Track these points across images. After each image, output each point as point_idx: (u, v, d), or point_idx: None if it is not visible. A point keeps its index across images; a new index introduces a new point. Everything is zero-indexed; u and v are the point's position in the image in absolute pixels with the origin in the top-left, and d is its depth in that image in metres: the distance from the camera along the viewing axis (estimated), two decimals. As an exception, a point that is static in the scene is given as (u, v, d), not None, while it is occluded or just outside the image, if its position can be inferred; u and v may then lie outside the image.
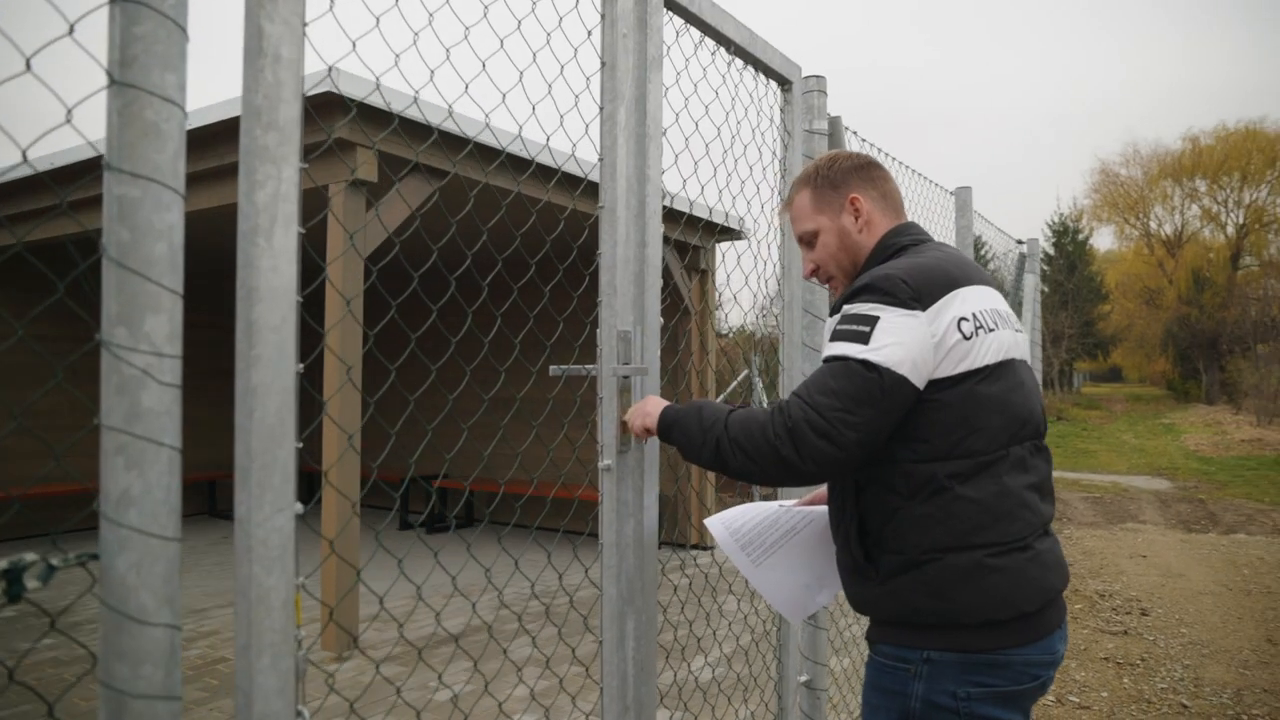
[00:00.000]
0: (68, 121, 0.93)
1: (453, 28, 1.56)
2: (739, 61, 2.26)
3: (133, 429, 0.94)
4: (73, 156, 5.59)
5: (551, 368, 1.74)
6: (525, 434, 7.60)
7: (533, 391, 7.57)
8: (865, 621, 1.66)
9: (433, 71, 1.44)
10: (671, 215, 5.36)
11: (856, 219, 1.67)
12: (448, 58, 1.48)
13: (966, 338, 1.46)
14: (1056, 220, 38.82)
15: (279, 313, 1.10)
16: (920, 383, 1.43)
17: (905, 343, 1.41)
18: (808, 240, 1.73)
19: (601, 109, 1.75)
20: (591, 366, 1.76)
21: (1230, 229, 35.26)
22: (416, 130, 4.58)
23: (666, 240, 6.36)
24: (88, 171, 5.40)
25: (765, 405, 1.50)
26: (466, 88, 1.59)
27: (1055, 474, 2.09)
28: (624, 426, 1.73)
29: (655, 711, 1.81)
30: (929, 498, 1.45)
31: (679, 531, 7.86)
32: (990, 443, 1.46)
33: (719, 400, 1.77)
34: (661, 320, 1.85)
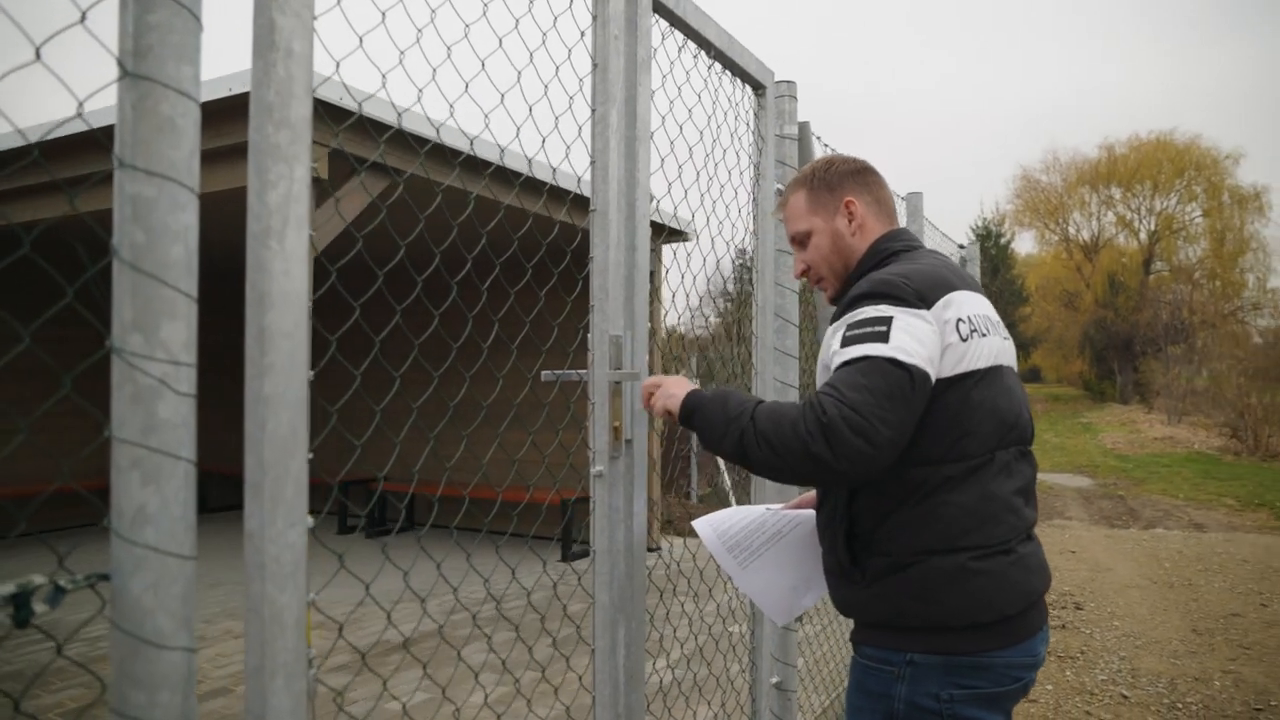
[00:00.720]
0: (79, 115, 0.87)
1: (406, 31, 1.51)
2: (717, 66, 2.26)
3: (149, 442, 0.89)
4: (64, 130, 5.16)
5: (544, 373, 1.71)
6: (481, 438, 7.49)
7: (483, 394, 7.48)
8: (818, 621, 1.67)
9: (388, 75, 1.40)
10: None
11: (850, 222, 1.68)
12: (401, 61, 1.44)
13: (963, 339, 1.48)
14: (980, 225, 40.03)
15: (291, 318, 1.06)
16: (936, 379, 1.44)
17: (923, 340, 1.42)
18: (800, 240, 1.73)
19: (593, 111, 1.72)
20: (583, 371, 1.73)
21: (1143, 235, 36.87)
22: (376, 128, 4.47)
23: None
24: (83, 149, 5.04)
25: None
26: (421, 92, 1.55)
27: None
28: (616, 432, 1.71)
29: (644, 717, 1.79)
30: (919, 501, 1.46)
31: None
32: (980, 446, 1.49)
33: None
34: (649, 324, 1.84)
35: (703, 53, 2.15)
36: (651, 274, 8.32)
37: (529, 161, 1.65)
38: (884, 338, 1.40)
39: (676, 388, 1.59)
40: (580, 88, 1.71)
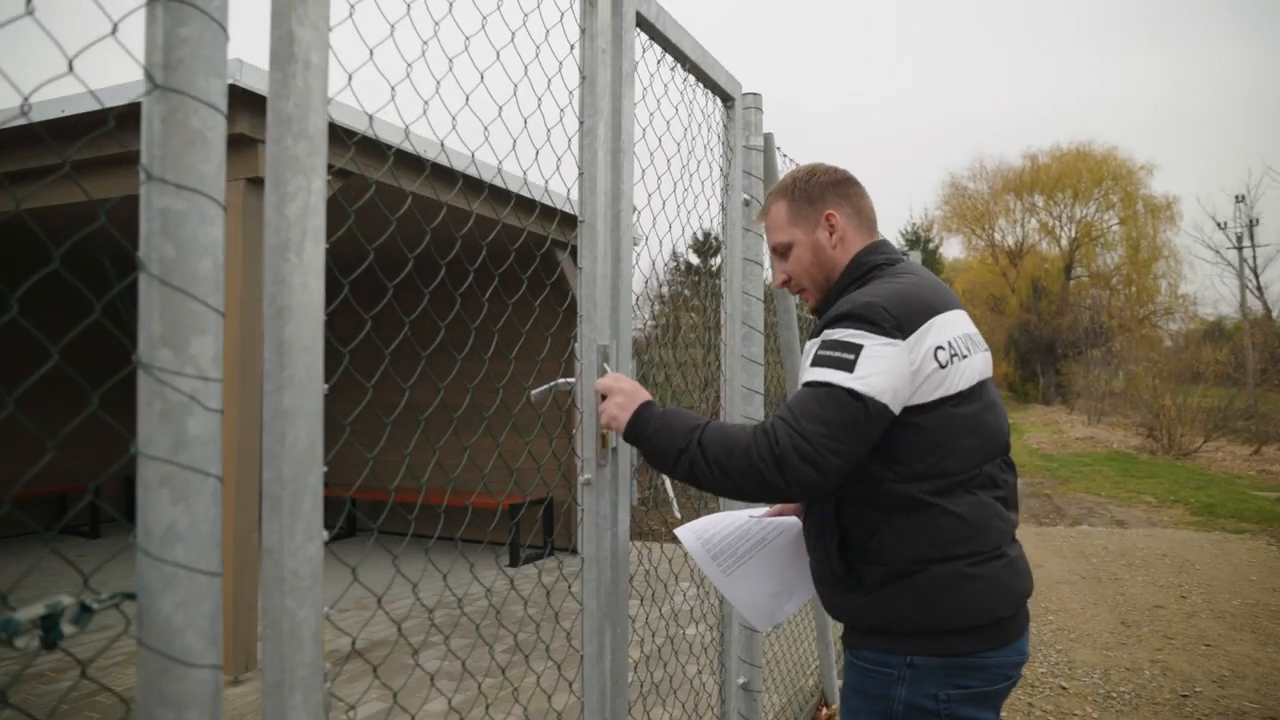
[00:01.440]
0: (112, 127, 0.86)
1: (409, 44, 1.51)
2: (691, 79, 2.29)
3: (179, 459, 0.88)
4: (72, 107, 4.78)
5: (532, 393, 1.71)
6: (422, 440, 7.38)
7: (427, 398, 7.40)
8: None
9: (351, 78, 1.40)
10: (569, 218, 5.32)
11: (831, 234, 1.70)
12: (370, 58, 1.44)
13: (942, 366, 1.52)
14: (910, 230, 41.03)
15: (310, 331, 1.06)
16: (897, 410, 1.48)
17: (888, 371, 1.45)
18: (781, 251, 1.76)
19: (581, 123, 1.74)
20: (571, 380, 1.75)
21: (1064, 242, 38.30)
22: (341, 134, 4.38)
23: (564, 245, 6.34)
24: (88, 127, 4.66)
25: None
26: (394, 94, 1.55)
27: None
28: (604, 440, 1.73)
29: (627, 722, 1.82)
30: (910, 513, 1.51)
31: (573, 537, 7.85)
32: (965, 462, 1.54)
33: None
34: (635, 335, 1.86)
35: (678, 65, 2.19)
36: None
37: (523, 178, 1.66)
38: (849, 366, 1.45)
39: (626, 400, 1.59)
40: (570, 101, 1.72)
